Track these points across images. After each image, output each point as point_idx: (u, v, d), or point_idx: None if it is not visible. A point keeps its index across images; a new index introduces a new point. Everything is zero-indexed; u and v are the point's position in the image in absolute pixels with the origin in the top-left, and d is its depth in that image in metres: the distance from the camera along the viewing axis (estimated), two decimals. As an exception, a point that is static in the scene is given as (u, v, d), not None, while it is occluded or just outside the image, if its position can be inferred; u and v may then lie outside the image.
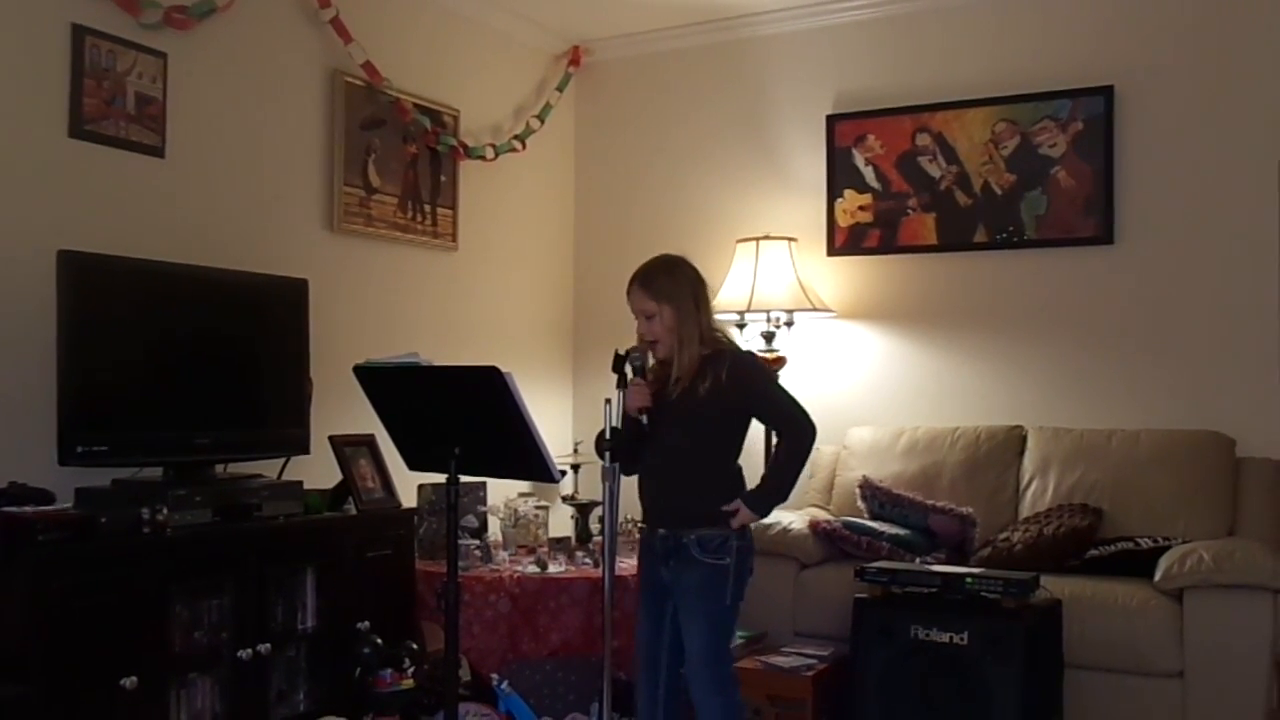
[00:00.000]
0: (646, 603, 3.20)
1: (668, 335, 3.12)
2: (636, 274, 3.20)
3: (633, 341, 3.17)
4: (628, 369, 3.08)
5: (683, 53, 5.47)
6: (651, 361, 3.18)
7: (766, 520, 4.25)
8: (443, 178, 4.87)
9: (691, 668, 3.09)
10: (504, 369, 2.74)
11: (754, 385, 3.13)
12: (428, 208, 4.80)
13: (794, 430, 3.14)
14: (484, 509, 4.38)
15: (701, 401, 3.06)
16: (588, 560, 4.09)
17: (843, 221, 5.07)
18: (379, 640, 3.58)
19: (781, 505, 4.67)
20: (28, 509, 2.94)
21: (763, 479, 3.17)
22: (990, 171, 4.78)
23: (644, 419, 3.06)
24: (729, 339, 3.23)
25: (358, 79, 4.41)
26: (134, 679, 2.95)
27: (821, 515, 4.49)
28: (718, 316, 4.80)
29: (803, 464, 3.17)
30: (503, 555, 4.20)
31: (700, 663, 3.07)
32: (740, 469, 3.20)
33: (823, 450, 4.89)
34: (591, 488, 4.40)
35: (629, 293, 3.18)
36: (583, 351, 5.65)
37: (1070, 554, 3.98)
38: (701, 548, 3.06)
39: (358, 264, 4.49)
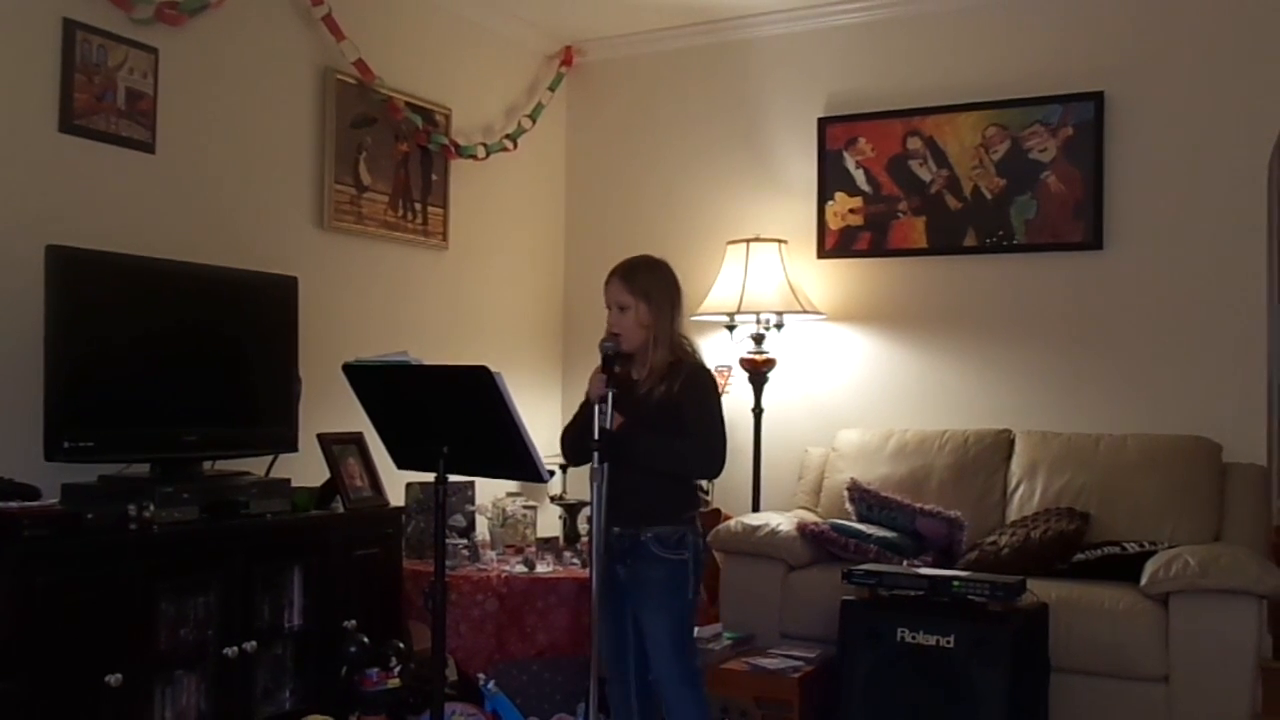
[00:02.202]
0: (605, 606, 3.16)
1: (638, 331, 3.14)
2: (618, 267, 3.22)
3: None
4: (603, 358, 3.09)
5: (675, 54, 5.47)
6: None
7: (755, 522, 4.29)
8: (434, 176, 4.86)
9: (660, 663, 3.11)
10: (493, 368, 2.74)
11: (696, 395, 3.09)
12: (418, 206, 4.79)
13: (706, 449, 3.08)
14: (472, 508, 4.38)
15: (655, 408, 3.08)
16: (575, 560, 4.09)
17: (833, 224, 5.08)
18: (365, 639, 3.58)
19: (769, 507, 4.71)
20: (13, 504, 2.93)
21: (655, 435, 3.06)
22: (980, 176, 4.80)
23: (607, 410, 3.06)
24: (694, 350, 3.22)
25: (349, 77, 4.41)
26: (119, 676, 2.94)
27: (809, 517, 4.49)
28: (708, 318, 4.91)
29: (679, 467, 3.11)
30: (490, 555, 4.19)
31: (669, 658, 3.10)
32: None
33: (811, 452, 4.90)
34: (580, 488, 4.39)
35: (607, 283, 3.20)
36: (572, 351, 5.65)
37: (1057, 558, 3.99)
38: (661, 544, 3.09)
39: (348, 262, 4.48)
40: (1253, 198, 4.36)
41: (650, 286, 3.15)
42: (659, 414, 3.07)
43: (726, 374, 4.95)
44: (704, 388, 3.14)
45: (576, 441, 3.19)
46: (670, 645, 3.10)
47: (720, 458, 3.12)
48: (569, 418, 5.49)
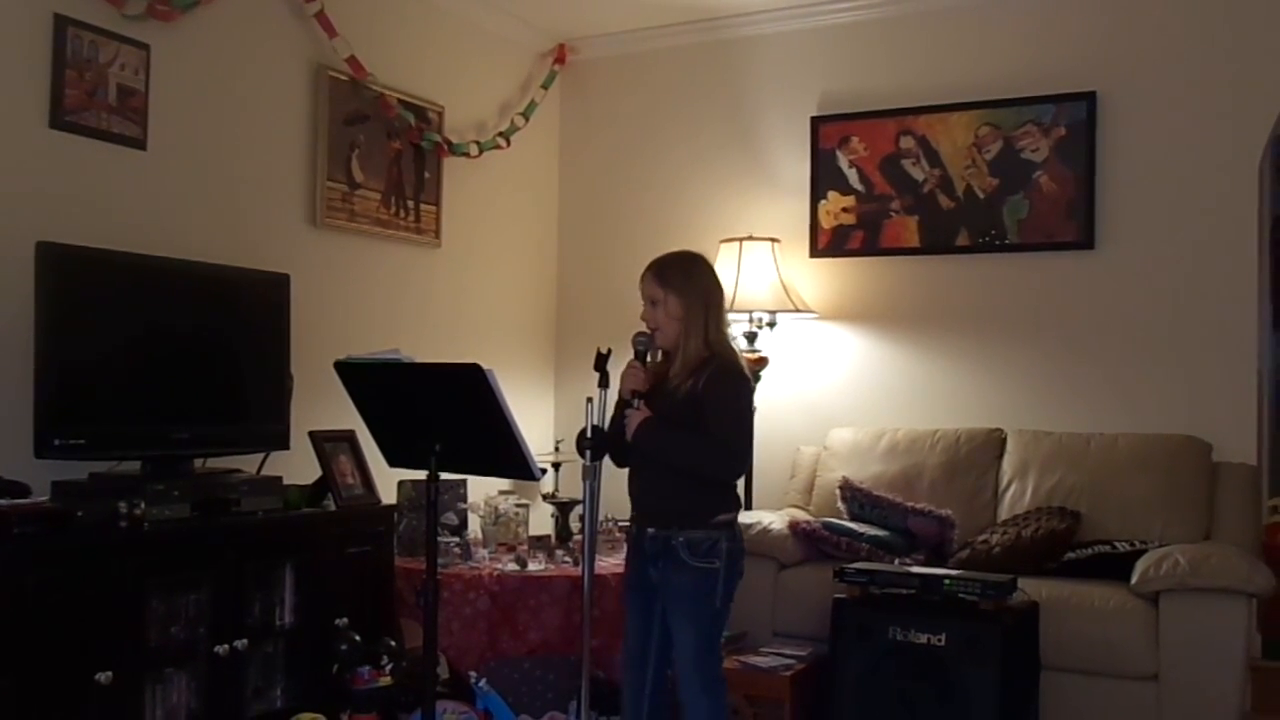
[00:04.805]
0: (634, 601, 3.17)
1: (670, 324, 3.09)
2: (653, 262, 3.19)
3: (614, 340, 3.17)
4: (615, 355, 3.09)
5: (669, 52, 5.47)
6: (660, 357, 3.17)
7: (747, 520, 4.29)
8: (426, 174, 4.86)
9: (681, 669, 3.08)
10: (486, 366, 2.74)
11: (720, 393, 3.02)
12: (411, 204, 4.79)
13: (723, 449, 3.01)
14: (464, 506, 4.37)
15: (681, 402, 3.04)
16: (568, 559, 4.09)
17: (826, 223, 5.09)
18: (357, 637, 3.57)
19: (761, 505, 4.71)
20: (3, 501, 2.92)
21: (679, 430, 3.03)
22: (973, 175, 4.80)
23: (635, 402, 3.04)
24: (732, 350, 3.15)
25: (342, 74, 4.40)
26: (109, 674, 2.93)
27: (801, 516, 4.50)
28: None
29: (695, 465, 3.03)
30: (482, 553, 4.19)
31: (690, 665, 3.05)
32: None
33: (804, 451, 4.91)
34: (572, 486, 4.39)
35: (642, 277, 3.17)
36: (565, 349, 5.65)
37: (1048, 556, 4.00)
38: (690, 550, 3.02)
39: (340, 259, 4.47)
40: (1244, 198, 4.37)
41: (680, 280, 3.11)
42: (684, 410, 3.03)
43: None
44: (730, 386, 3.06)
45: (613, 444, 3.11)
46: (692, 654, 3.05)
47: (739, 459, 3.04)
48: (561, 415, 5.57)
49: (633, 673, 3.19)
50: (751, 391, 3.15)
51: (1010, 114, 4.73)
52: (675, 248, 3.28)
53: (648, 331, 3.12)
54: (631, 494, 3.18)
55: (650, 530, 3.08)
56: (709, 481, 3.08)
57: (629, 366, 3.07)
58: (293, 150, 4.29)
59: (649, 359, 3.12)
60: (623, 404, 3.07)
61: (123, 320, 3.33)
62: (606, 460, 3.10)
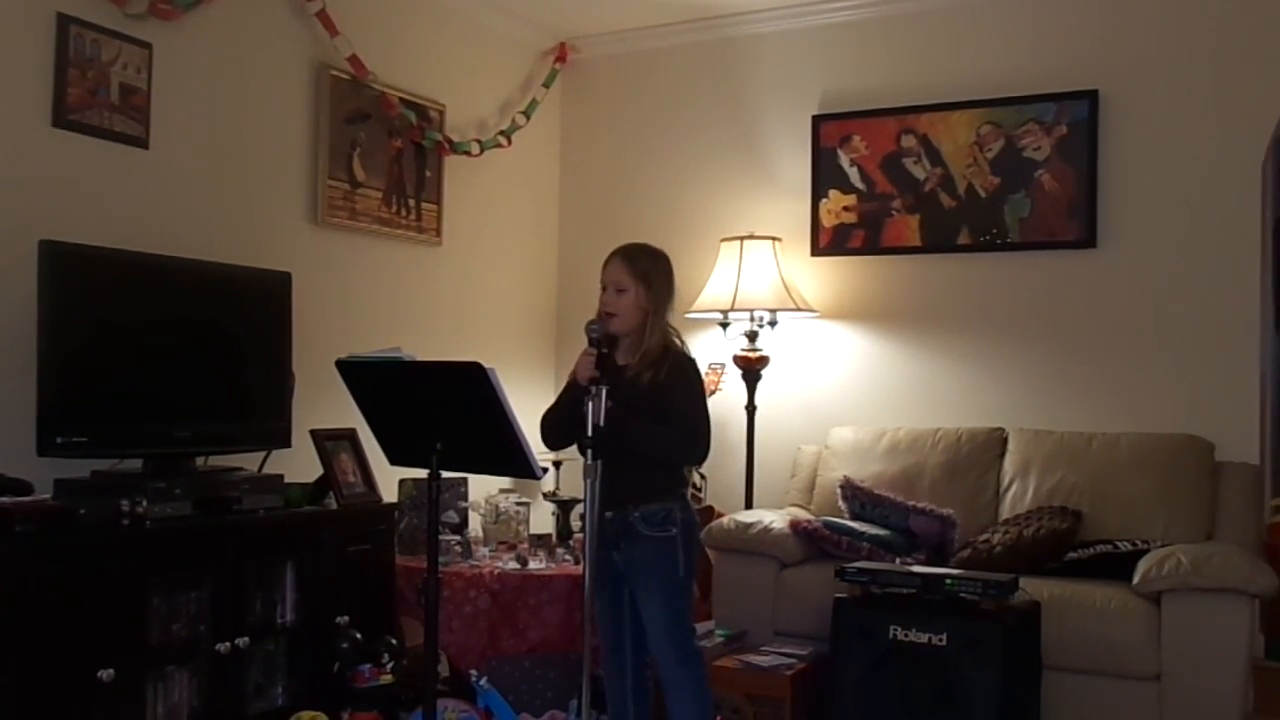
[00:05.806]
0: (602, 593, 3.22)
1: (634, 314, 3.17)
2: (620, 248, 3.25)
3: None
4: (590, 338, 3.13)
5: (670, 51, 5.47)
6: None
7: (747, 519, 4.30)
8: (428, 173, 4.86)
9: (655, 644, 3.14)
10: (487, 364, 2.74)
11: (683, 382, 3.16)
12: (412, 202, 4.79)
13: (691, 434, 3.13)
14: (465, 504, 4.38)
15: (643, 391, 3.10)
16: (568, 557, 4.09)
17: (827, 222, 5.08)
18: (358, 635, 3.58)
19: (762, 504, 4.70)
20: (5, 499, 2.92)
21: (644, 421, 3.09)
22: (974, 174, 4.80)
23: (594, 389, 3.06)
24: (682, 340, 3.28)
25: (343, 72, 4.40)
26: (111, 671, 2.94)
27: (802, 515, 4.50)
28: (701, 316, 4.91)
29: (665, 452, 3.14)
30: (483, 551, 4.19)
31: (663, 639, 3.12)
32: None
33: (804, 450, 4.91)
34: (573, 484, 4.40)
35: (607, 263, 3.23)
36: (565, 348, 5.64)
37: (1049, 556, 4.00)
38: (647, 522, 3.12)
39: (341, 258, 4.48)
40: (1246, 196, 4.37)
41: (651, 272, 3.19)
42: (646, 399, 3.10)
43: (720, 371, 4.95)
44: (690, 375, 3.20)
45: (560, 426, 3.21)
46: (663, 625, 3.12)
47: (705, 443, 3.16)
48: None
49: (611, 664, 3.26)
50: (703, 380, 3.28)
51: (1012, 113, 4.72)
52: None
53: (598, 320, 3.15)
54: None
55: (609, 514, 3.13)
56: (672, 465, 3.21)
57: (584, 354, 3.10)
58: (294, 149, 4.29)
59: (600, 346, 3.14)
60: (573, 388, 3.12)
61: (125, 318, 3.33)
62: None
